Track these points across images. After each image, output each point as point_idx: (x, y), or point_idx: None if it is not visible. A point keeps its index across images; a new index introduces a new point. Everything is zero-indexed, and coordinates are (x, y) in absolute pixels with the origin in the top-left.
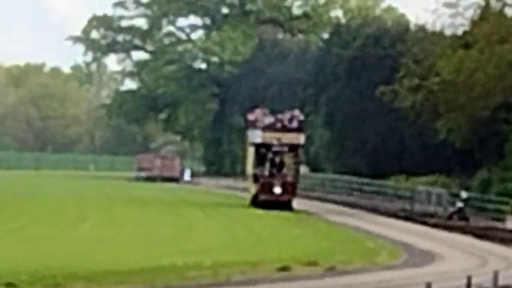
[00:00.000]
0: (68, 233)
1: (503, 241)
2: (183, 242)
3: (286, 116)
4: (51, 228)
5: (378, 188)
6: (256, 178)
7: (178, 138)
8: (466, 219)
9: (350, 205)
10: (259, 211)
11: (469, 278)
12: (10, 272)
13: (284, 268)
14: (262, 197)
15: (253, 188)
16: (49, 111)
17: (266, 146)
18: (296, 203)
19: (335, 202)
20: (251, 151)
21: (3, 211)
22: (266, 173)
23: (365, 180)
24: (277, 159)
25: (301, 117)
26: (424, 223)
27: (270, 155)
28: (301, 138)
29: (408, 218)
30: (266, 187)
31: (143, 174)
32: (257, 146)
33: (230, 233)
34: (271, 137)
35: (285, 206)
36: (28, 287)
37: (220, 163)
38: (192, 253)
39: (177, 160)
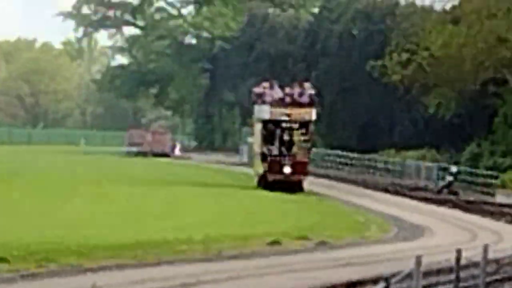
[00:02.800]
0: (60, 208)
1: (492, 214)
2: (174, 217)
3: (296, 89)
4: (43, 203)
5: (368, 162)
6: (264, 157)
7: (169, 113)
8: (456, 193)
9: (340, 179)
10: (249, 186)
11: (458, 252)
12: (1, 247)
13: (274, 242)
14: (271, 177)
15: (261, 168)
16: (40, 87)
17: (275, 122)
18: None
19: (325, 176)
20: (258, 128)
21: None
22: (275, 151)
23: (355, 154)
24: (286, 137)
25: (312, 91)
26: (414, 197)
27: (279, 132)
28: (312, 114)
29: (398, 192)
30: (275, 167)
31: (134, 149)
32: (265, 123)
33: (221, 207)
34: (280, 113)
35: (296, 187)
36: (20, 262)
37: (210, 138)
38: (183, 228)
39: (168, 135)
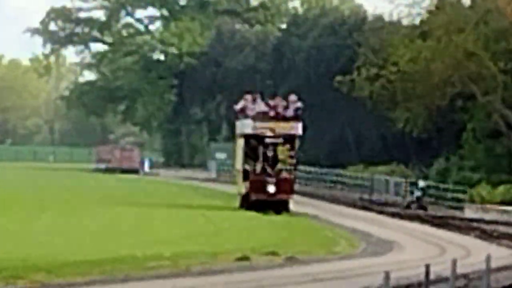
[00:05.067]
0: (27, 224)
1: (461, 229)
2: (142, 233)
3: (280, 102)
4: (10, 219)
5: (336, 177)
6: (246, 175)
7: (137, 129)
8: (424, 208)
9: (309, 195)
10: (217, 202)
11: (427, 267)
12: None
13: (243, 258)
14: (254, 197)
15: (243, 187)
16: (8, 103)
17: (258, 137)
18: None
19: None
20: (240, 143)
21: None
22: (258, 169)
23: (324, 169)
24: (270, 153)
25: (298, 104)
26: (383, 212)
27: (262, 148)
28: (298, 128)
29: (366, 207)
30: (258, 186)
31: (102, 165)
32: (247, 138)
33: (190, 224)
34: (264, 127)
35: (281, 207)
36: None
37: (179, 154)
38: (151, 244)
39: (136, 152)
